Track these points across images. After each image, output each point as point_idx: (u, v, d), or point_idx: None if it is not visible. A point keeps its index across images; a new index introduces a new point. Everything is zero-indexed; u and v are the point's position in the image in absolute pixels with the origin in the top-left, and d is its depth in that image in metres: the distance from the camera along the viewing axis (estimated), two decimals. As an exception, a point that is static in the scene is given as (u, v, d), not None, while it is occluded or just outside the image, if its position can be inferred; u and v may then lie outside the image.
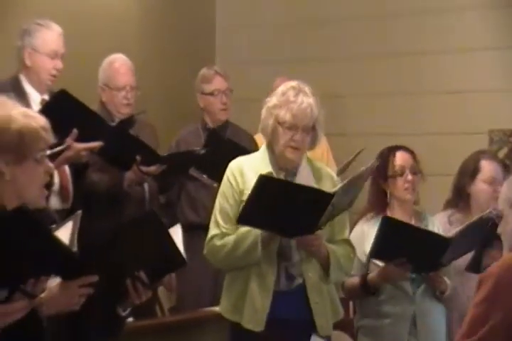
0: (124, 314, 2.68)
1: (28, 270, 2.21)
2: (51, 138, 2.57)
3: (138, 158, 4.24)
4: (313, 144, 3.60)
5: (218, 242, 3.51)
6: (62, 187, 4.12)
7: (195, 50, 6.37)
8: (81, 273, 2.38)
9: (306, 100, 3.50)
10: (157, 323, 4.30)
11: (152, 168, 4.28)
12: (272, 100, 3.53)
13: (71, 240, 2.34)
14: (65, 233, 2.37)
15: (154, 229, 2.58)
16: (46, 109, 3.77)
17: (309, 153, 3.71)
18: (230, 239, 3.49)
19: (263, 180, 3.32)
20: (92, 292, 2.42)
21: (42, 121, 2.54)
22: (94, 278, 2.38)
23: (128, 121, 4.27)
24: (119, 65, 4.67)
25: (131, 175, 4.31)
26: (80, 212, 2.51)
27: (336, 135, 5.80)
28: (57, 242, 2.26)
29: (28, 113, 2.55)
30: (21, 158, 2.49)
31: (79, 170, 4.18)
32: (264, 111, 3.56)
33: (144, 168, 4.27)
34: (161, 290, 4.99)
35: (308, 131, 3.52)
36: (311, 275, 3.52)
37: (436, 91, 5.99)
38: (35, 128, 2.51)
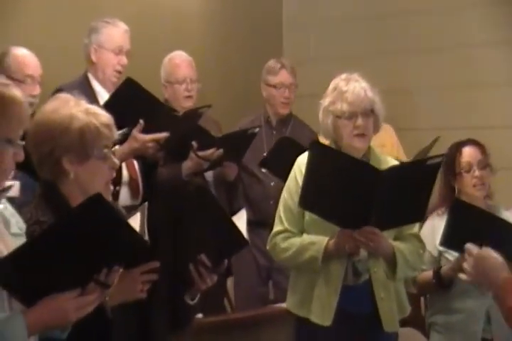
0: (192, 303, 2.67)
1: (101, 259, 2.20)
2: (114, 135, 2.58)
3: (194, 143, 4.23)
4: (376, 129, 3.56)
5: (281, 244, 3.52)
6: (132, 181, 4.13)
7: (261, 46, 6.35)
8: (147, 260, 2.36)
9: (358, 85, 3.50)
10: (225, 320, 4.29)
11: (209, 152, 4.26)
12: (326, 99, 3.53)
13: (141, 230, 2.34)
14: (133, 224, 2.36)
15: (211, 208, 2.58)
16: (113, 99, 3.79)
17: (379, 149, 3.67)
18: (293, 244, 3.48)
19: (316, 148, 3.29)
20: (156, 278, 2.40)
21: (104, 117, 2.55)
22: (156, 264, 2.37)
23: (193, 113, 4.26)
24: (179, 60, 4.79)
25: (189, 163, 4.29)
26: (146, 203, 2.52)
27: (406, 129, 5.72)
28: (132, 230, 2.26)
29: (91, 110, 2.56)
30: (84, 156, 2.51)
31: (149, 166, 4.17)
32: (321, 113, 3.55)
33: (201, 153, 4.26)
34: (230, 286, 4.98)
35: (368, 115, 3.49)
36: (377, 271, 3.48)
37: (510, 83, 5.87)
38: (96, 125, 2.51)
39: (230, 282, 4.98)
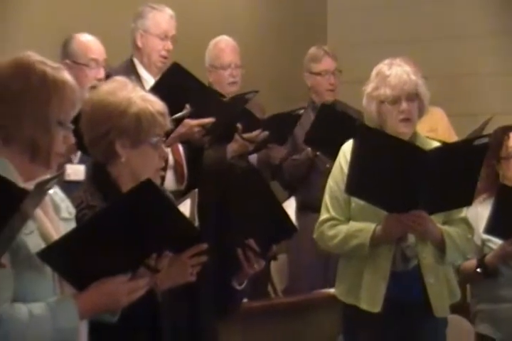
0: (239, 288, 2.67)
1: (151, 244, 2.20)
2: (168, 124, 2.58)
3: (239, 126, 4.22)
4: (421, 113, 3.53)
5: (329, 231, 3.50)
6: (177, 166, 4.14)
7: (306, 30, 6.33)
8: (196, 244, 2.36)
9: (401, 69, 3.47)
10: (271, 304, 4.30)
11: (254, 134, 4.26)
12: (370, 85, 3.51)
13: (191, 216, 2.33)
14: (183, 209, 2.36)
15: (261, 193, 2.57)
16: (159, 84, 3.80)
17: (430, 134, 3.63)
18: (341, 231, 3.47)
19: (363, 131, 3.28)
20: (205, 260, 2.40)
21: (159, 105, 2.56)
22: (204, 247, 2.36)
23: (239, 99, 4.25)
24: (223, 45, 4.79)
25: (234, 145, 4.29)
26: (196, 190, 2.51)
27: (460, 115, 5.66)
28: (181, 216, 2.26)
29: (147, 97, 2.56)
30: (137, 141, 2.52)
31: (195, 151, 4.18)
32: (365, 99, 3.53)
33: (246, 135, 4.24)
34: (273, 271, 4.98)
35: (412, 99, 3.46)
36: (426, 256, 3.45)
37: None
38: (152, 112, 2.52)
39: (273, 267, 4.98)
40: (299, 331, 4.12)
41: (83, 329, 2.21)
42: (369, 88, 3.51)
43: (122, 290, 2.16)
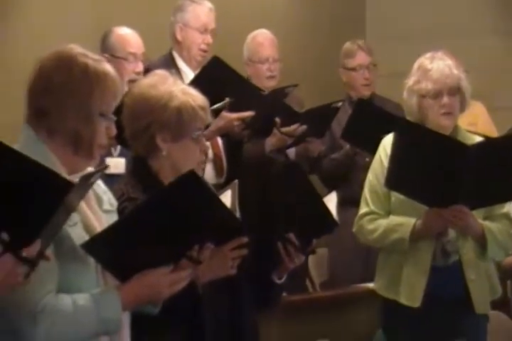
0: (279, 281, 2.66)
1: (194, 236, 2.20)
2: (209, 118, 2.58)
3: (277, 120, 4.21)
4: (462, 107, 3.50)
5: (368, 225, 3.48)
6: (216, 160, 4.14)
7: (344, 24, 6.30)
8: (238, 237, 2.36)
9: (443, 63, 3.44)
10: (310, 298, 4.30)
11: (292, 128, 4.24)
12: (411, 79, 3.48)
13: (232, 207, 2.33)
14: (225, 201, 2.36)
15: (302, 187, 2.56)
16: (199, 77, 3.80)
17: (470, 127, 3.60)
18: (381, 225, 3.45)
19: (403, 125, 3.26)
20: (245, 253, 2.39)
21: (200, 99, 2.56)
22: (245, 240, 2.36)
23: (279, 92, 4.24)
24: (261, 38, 4.77)
25: (272, 139, 4.28)
26: (236, 181, 2.51)
27: (501, 108, 5.61)
28: (224, 207, 2.26)
29: (188, 90, 2.57)
30: (178, 135, 2.53)
31: (234, 145, 4.18)
32: (405, 92, 3.50)
33: (284, 129, 4.24)
34: (311, 265, 4.97)
35: (454, 93, 3.43)
36: (466, 252, 3.42)
37: None
38: (193, 106, 2.52)
39: (311, 261, 4.97)
40: (337, 325, 4.10)
41: (125, 320, 2.23)
42: (410, 82, 3.49)
43: (164, 282, 2.16)
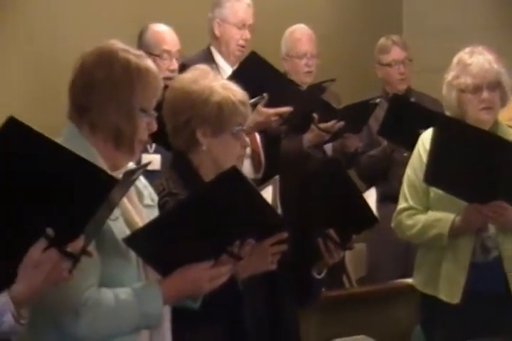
0: (319, 277, 2.66)
1: (235, 231, 2.21)
2: (249, 113, 2.59)
3: (315, 115, 4.21)
4: (503, 102, 3.47)
5: (407, 221, 3.47)
6: (254, 155, 4.15)
7: (381, 19, 6.26)
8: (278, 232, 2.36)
9: (482, 57, 3.42)
10: (348, 294, 4.30)
11: (330, 124, 4.24)
12: (450, 73, 3.46)
13: (273, 203, 2.33)
14: (266, 197, 2.35)
15: (342, 183, 2.55)
16: (237, 73, 3.81)
17: (511, 123, 3.57)
18: (419, 221, 3.43)
19: (442, 120, 3.24)
20: (285, 249, 2.39)
21: (241, 94, 2.56)
22: (285, 235, 2.36)
23: (317, 87, 4.23)
24: (299, 34, 4.76)
25: (310, 135, 4.28)
26: (277, 177, 2.51)
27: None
28: (265, 203, 2.27)
29: (228, 85, 2.57)
30: (219, 130, 2.53)
31: (271, 140, 4.18)
32: (445, 87, 3.48)
33: (322, 125, 4.23)
34: (348, 261, 4.96)
35: (493, 87, 3.41)
36: (507, 247, 3.39)
37: None
38: (233, 101, 2.53)
39: (348, 257, 4.96)
40: (375, 321, 4.10)
41: (166, 315, 2.24)
42: (449, 76, 3.47)
43: (205, 276, 2.17)
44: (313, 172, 2.79)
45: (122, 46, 2.23)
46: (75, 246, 1.84)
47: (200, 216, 2.12)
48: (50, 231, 1.80)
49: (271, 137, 4.16)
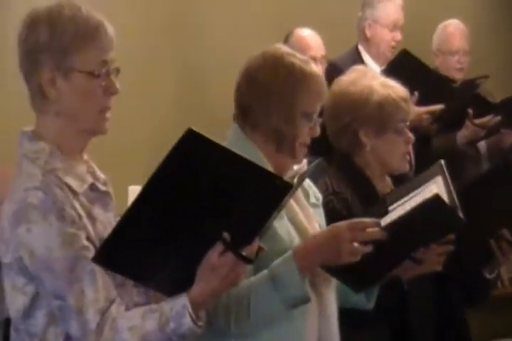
0: (490, 276, 2.63)
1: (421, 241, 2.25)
2: (411, 109, 2.57)
3: (470, 111, 4.14)
4: None
5: None
6: (404, 154, 4.11)
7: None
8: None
9: None
10: (500, 294, 4.20)
11: (486, 119, 4.16)
12: None
13: (449, 195, 2.23)
14: (437, 188, 2.25)
15: (509, 182, 2.49)
16: (388, 71, 3.79)
17: None
18: None
19: None
20: (452, 249, 2.34)
21: (401, 91, 2.56)
22: (452, 236, 2.30)
23: (470, 84, 4.17)
24: (453, 28, 4.66)
25: (464, 132, 4.21)
26: (442, 161, 2.42)
27: None
28: (460, 219, 2.22)
29: (387, 83, 2.58)
30: (381, 129, 2.54)
31: (421, 139, 4.13)
32: None
33: (477, 121, 4.16)
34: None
35: None
36: None
37: None
38: (394, 99, 2.53)
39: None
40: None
41: (333, 313, 2.22)
42: None
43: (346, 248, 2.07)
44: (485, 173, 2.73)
45: (288, 50, 2.25)
46: (251, 250, 1.86)
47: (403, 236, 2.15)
48: (226, 235, 1.82)
49: (421, 136, 4.12)
